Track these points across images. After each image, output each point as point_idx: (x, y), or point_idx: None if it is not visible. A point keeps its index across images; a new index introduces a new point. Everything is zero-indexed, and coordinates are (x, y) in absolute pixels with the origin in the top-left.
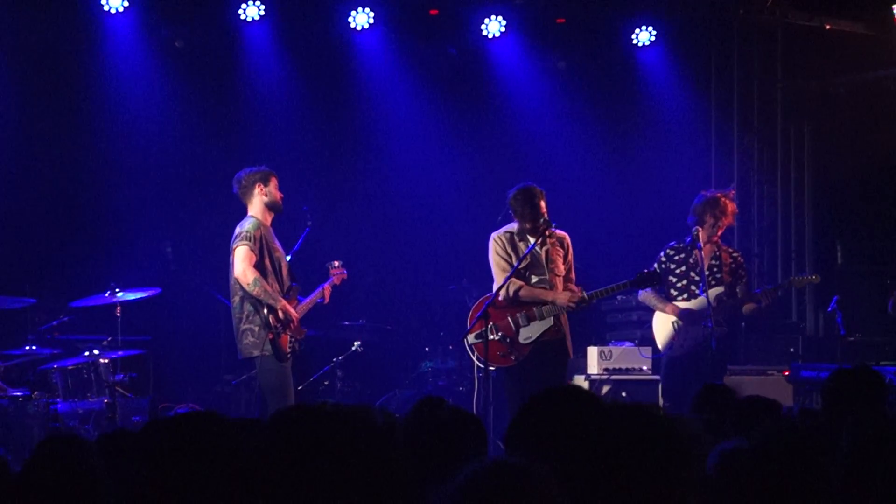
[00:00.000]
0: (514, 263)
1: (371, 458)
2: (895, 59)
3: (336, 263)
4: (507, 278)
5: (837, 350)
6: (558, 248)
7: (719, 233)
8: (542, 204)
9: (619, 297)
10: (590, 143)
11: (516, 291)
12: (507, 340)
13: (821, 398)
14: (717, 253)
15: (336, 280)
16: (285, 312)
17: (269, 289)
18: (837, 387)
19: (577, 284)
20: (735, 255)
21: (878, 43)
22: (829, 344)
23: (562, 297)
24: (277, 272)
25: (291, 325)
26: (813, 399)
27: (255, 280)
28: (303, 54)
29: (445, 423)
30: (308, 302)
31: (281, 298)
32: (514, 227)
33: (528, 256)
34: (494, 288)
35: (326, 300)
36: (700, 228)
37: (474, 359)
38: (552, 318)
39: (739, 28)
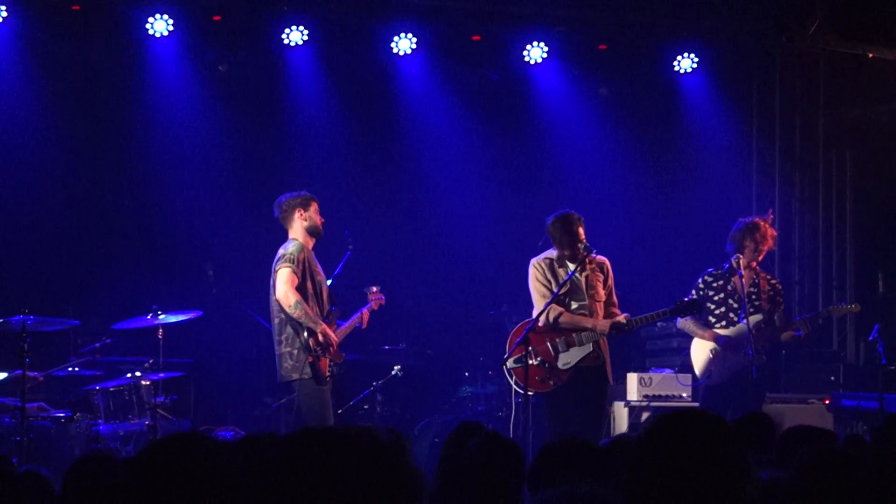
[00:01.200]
0: (554, 290)
1: (375, 477)
2: None
3: (374, 289)
4: (548, 304)
5: (879, 379)
6: (598, 273)
7: (760, 257)
8: (581, 231)
9: (658, 324)
10: (630, 170)
11: (556, 318)
12: (546, 366)
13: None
14: (756, 280)
15: (374, 305)
16: (325, 336)
17: (310, 312)
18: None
19: (619, 308)
20: (773, 282)
21: None
22: (870, 372)
23: (602, 323)
24: (318, 296)
25: (331, 348)
26: (854, 427)
27: (297, 303)
28: (345, 79)
29: (484, 449)
30: (347, 326)
31: (321, 322)
32: (553, 253)
33: (569, 283)
34: (534, 314)
35: (364, 325)
36: (741, 256)
37: (512, 383)
38: (591, 343)
39: (781, 56)
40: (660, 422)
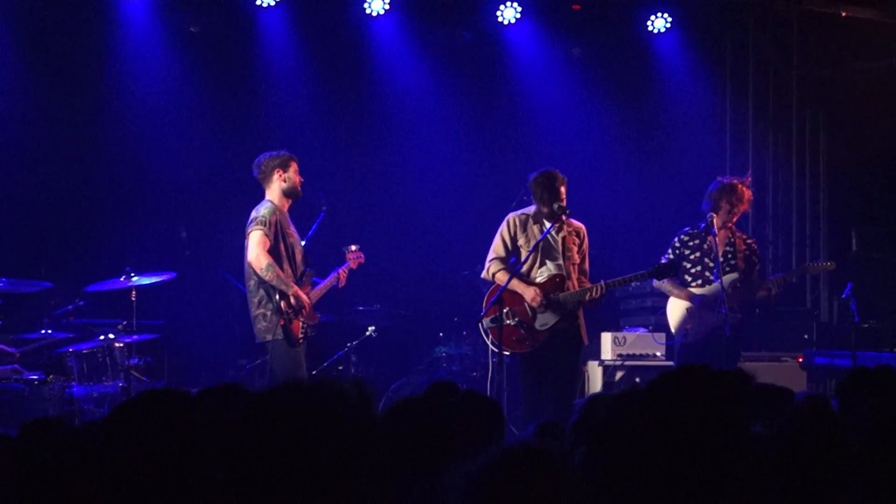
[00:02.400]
0: (520, 245)
1: (341, 432)
2: None
3: (353, 247)
4: (522, 264)
5: (851, 337)
6: (574, 237)
7: (734, 219)
8: (563, 189)
9: (632, 284)
10: (604, 130)
11: (494, 274)
12: (524, 326)
13: (836, 395)
14: (732, 239)
15: (353, 264)
16: (297, 298)
17: (281, 274)
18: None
19: (593, 273)
20: (749, 241)
21: (893, 30)
22: (843, 331)
23: (529, 292)
24: (291, 258)
25: (304, 310)
26: (827, 386)
27: (269, 265)
28: (318, 40)
29: (463, 407)
30: (323, 287)
31: (293, 284)
32: (531, 209)
33: (544, 240)
34: (486, 265)
35: (342, 284)
36: (715, 215)
37: (489, 343)
38: (569, 304)
39: (755, 15)
40: (664, 378)
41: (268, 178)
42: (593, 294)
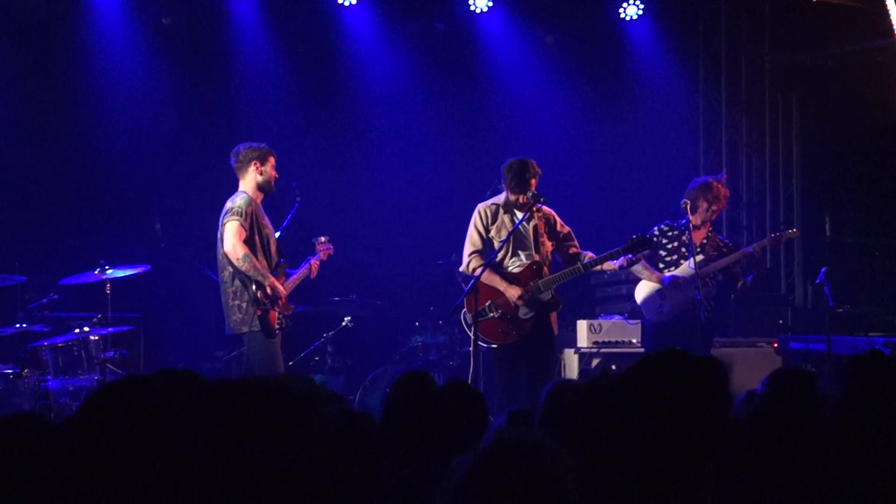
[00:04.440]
0: (492, 237)
1: (287, 428)
2: (882, 31)
3: (322, 239)
4: (497, 251)
5: (826, 321)
6: (543, 224)
7: (713, 217)
8: (533, 182)
9: (607, 272)
10: (578, 118)
11: (476, 269)
12: (508, 318)
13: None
14: (709, 235)
15: (322, 255)
16: (273, 288)
17: (257, 265)
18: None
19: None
20: (726, 242)
21: (864, 15)
22: (817, 315)
23: (513, 291)
24: (266, 249)
25: (280, 301)
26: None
27: (245, 255)
28: (290, 30)
29: (446, 397)
30: (296, 278)
31: (269, 275)
32: (501, 198)
33: (515, 231)
34: (464, 258)
35: (314, 275)
36: (688, 201)
37: (471, 335)
38: (551, 292)
39: (727, 1)
40: (644, 363)
41: (244, 168)
42: (570, 276)
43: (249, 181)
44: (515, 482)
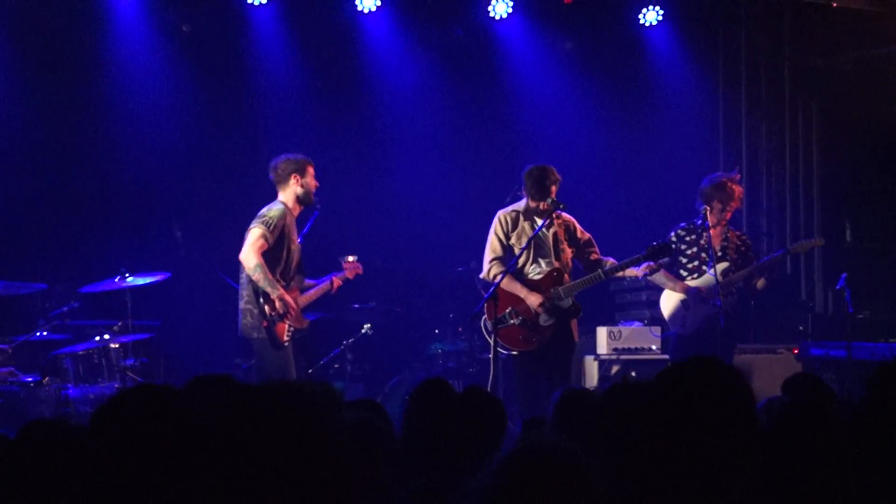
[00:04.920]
0: (512, 244)
1: (304, 433)
2: None
3: (350, 258)
4: (517, 258)
5: (846, 327)
6: (563, 231)
7: (728, 216)
8: (553, 189)
9: (627, 279)
10: (598, 124)
11: (496, 276)
12: (528, 324)
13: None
14: (726, 234)
15: (349, 274)
16: (283, 301)
17: (269, 276)
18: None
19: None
20: (744, 237)
21: (884, 19)
22: (838, 322)
23: (533, 298)
24: (289, 264)
25: (290, 314)
26: (823, 377)
27: (258, 266)
28: (309, 37)
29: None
30: (314, 292)
31: (280, 288)
32: (521, 205)
33: (535, 238)
34: (484, 266)
35: (334, 291)
36: (708, 207)
37: (491, 342)
38: (571, 299)
39: (746, 6)
40: (673, 370)
41: (284, 181)
42: (591, 282)
43: (289, 194)
44: (543, 485)
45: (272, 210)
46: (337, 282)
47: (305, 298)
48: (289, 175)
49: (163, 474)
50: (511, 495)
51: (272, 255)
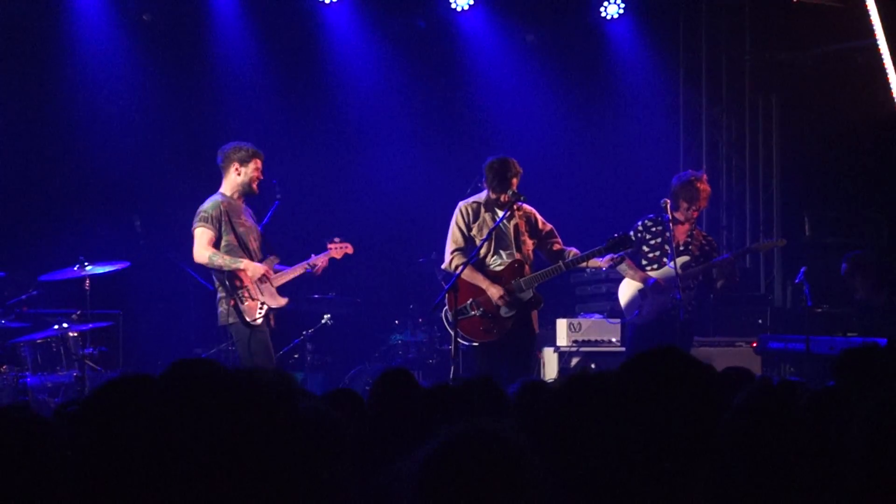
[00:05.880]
0: (474, 235)
1: (255, 420)
2: (862, 31)
3: (337, 239)
4: (473, 254)
5: (805, 321)
6: (524, 223)
7: (694, 215)
8: (514, 181)
9: (588, 270)
10: (559, 116)
11: (457, 267)
12: (489, 316)
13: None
14: (692, 232)
15: (336, 254)
16: (251, 267)
17: (226, 257)
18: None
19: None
20: (709, 238)
21: (845, 15)
22: (796, 315)
23: (494, 289)
24: (245, 246)
25: (266, 281)
26: (781, 370)
27: (211, 256)
28: (271, 27)
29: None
30: (290, 271)
31: (243, 259)
32: (482, 196)
33: (496, 229)
34: (445, 257)
35: (318, 272)
36: (668, 201)
37: (452, 333)
38: (532, 290)
39: (708, 1)
40: (637, 360)
41: (227, 168)
42: (552, 274)
43: (229, 181)
44: (474, 475)
45: (206, 205)
46: (321, 262)
47: (279, 277)
48: (231, 163)
49: (140, 466)
50: (440, 479)
51: (220, 244)
